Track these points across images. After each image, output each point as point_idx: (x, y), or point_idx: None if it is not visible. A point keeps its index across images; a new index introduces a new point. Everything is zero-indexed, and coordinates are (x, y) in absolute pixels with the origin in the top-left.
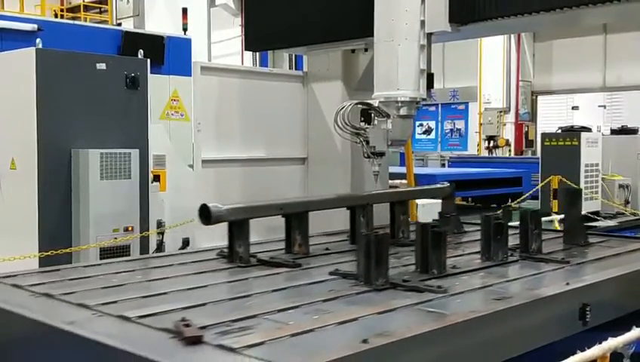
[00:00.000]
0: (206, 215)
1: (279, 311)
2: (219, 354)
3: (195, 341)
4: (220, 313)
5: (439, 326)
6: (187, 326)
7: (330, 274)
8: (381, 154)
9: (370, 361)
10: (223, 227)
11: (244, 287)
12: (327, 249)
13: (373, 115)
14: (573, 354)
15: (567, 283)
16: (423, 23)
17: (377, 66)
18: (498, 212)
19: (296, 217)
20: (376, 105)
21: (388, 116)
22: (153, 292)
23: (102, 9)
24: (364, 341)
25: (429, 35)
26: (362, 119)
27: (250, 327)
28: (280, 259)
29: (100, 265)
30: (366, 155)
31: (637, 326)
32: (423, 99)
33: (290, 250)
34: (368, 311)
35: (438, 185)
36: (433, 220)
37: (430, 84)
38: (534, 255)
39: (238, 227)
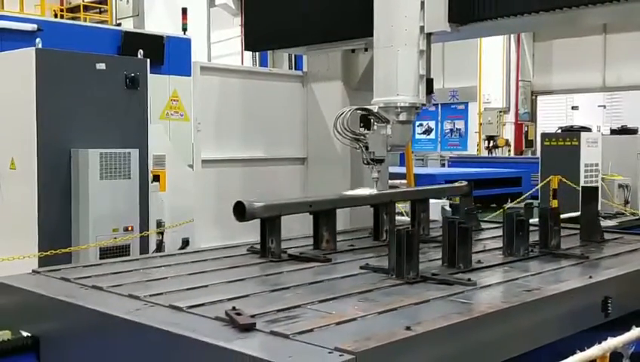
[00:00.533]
0: (240, 211)
1: (320, 301)
2: (273, 340)
3: (249, 328)
4: (264, 304)
5: (474, 315)
6: (239, 314)
7: (361, 268)
8: (380, 161)
9: (415, 347)
10: (222, 228)
11: (280, 280)
12: (351, 245)
13: (372, 120)
14: (572, 354)
15: (590, 277)
16: (422, 28)
17: (377, 72)
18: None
19: (324, 214)
20: (376, 110)
21: (387, 122)
22: (196, 284)
23: (101, 9)
24: (408, 328)
25: (429, 36)
26: (362, 125)
27: (296, 316)
28: (310, 255)
29: (137, 260)
30: (365, 162)
31: (637, 326)
32: (423, 105)
33: (318, 246)
34: (405, 301)
35: (457, 184)
36: (449, 216)
37: (430, 89)
38: (554, 250)
39: (270, 223)
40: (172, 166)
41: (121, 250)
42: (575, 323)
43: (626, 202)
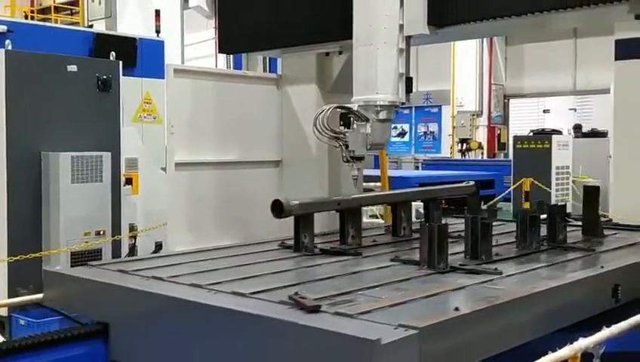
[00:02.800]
0: (278, 209)
1: (366, 288)
2: (341, 319)
3: (315, 309)
4: (318, 290)
5: (510, 298)
6: (302, 298)
7: (392, 260)
8: (360, 159)
9: (466, 324)
10: (196, 232)
11: (320, 271)
12: (374, 241)
13: (352, 118)
14: (545, 355)
15: (602, 267)
16: (401, 26)
17: (356, 70)
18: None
19: (350, 212)
20: (356, 109)
21: (367, 120)
22: (246, 275)
23: (73, 10)
24: (456, 309)
25: (408, 39)
26: (341, 123)
27: (351, 301)
28: (340, 249)
29: (176, 255)
30: (345, 160)
31: (607, 327)
32: (402, 103)
33: (345, 241)
34: (443, 288)
35: (464, 184)
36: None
37: (409, 88)
38: (562, 244)
39: (304, 220)
40: (145, 169)
41: (93, 255)
42: (590, 307)
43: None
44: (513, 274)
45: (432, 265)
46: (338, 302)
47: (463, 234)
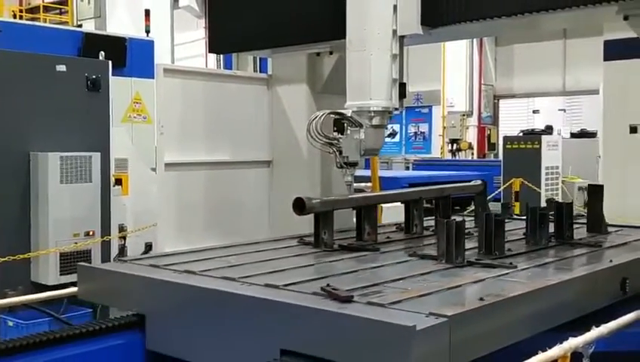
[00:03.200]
0: (300, 206)
1: (391, 281)
2: (374, 308)
3: (348, 299)
4: (346, 282)
5: (529, 289)
6: (335, 289)
7: (410, 255)
8: (354, 165)
9: (491, 313)
10: (186, 232)
11: (344, 265)
12: (388, 237)
13: (345, 124)
14: (535, 354)
15: (611, 261)
16: (395, 32)
17: (350, 76)
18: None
19: (366, 209)
20: (349, 114)
21: (361, 126)
22: (273, 269)
23: (62, 10)
24: (481, 299)
25: (402, 39)
26: (335, 129)
27: (380, 292)
28: (358, 245)
29: (203, 250)
30: (339, 165)
31: (596, 326)
32: (396, 109)
33: (361, 238)
34: (463, 281)
35: (473, 183)
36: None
37: (403, 93)
38: (569, 240)
39: (324, 217)
40: (135, 169)
41: (82, 255)
42: (600, 299)
43: (586, 204)
44: (528, 268)
45: (450, 259)
46: (368, 293)
47: (470, 231)
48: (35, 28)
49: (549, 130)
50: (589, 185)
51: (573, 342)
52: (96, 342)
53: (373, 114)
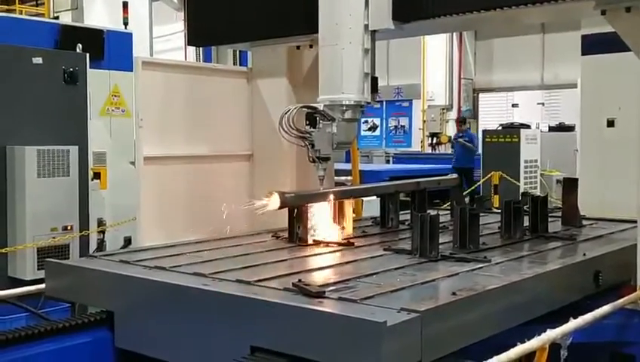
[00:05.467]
0: (275, 201)
1: (365, 276)
2: (346, 304)
3: (319, 295)
4: (319, 278)
5: (502, 283)
6: (307, 285)
7: (385, 250)
8: (326, 159)
9: (463, 307)
10: (166, 226)
11: (317, 260)
12: (364, 232)
13: (318, 118)
14: (513, 346)
15: (585, 254)
16: (366, 26)
17: (322, 70)
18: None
19: (340, 203)
20: (321, 108)
21: (333, 120)
22: (247, 264)
23: (38, 1)
24: (453, 293)
25: (373, 33)
26: (307, 123)
27: (352, 287)
28: (332, 240)
29: (174, 246)
30: (311, 160)
31: (573, 318)
32: (367, 103)
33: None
34: (437, 275)
35: (449, 177)
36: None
37: (374, 87)
38: (544, 234)
39: (298, 211)
40: (113, 163)
41: (60, 250)
42: (575, 292)
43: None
44: (502, 262)
45: (424, 253)
46: (340, 288)
47: (446, 224)
48: (11, 20)
49: (525, 127)
50: (564, 178)
51: (551, 334)
52: (64, 339)
53: (345, 108)
